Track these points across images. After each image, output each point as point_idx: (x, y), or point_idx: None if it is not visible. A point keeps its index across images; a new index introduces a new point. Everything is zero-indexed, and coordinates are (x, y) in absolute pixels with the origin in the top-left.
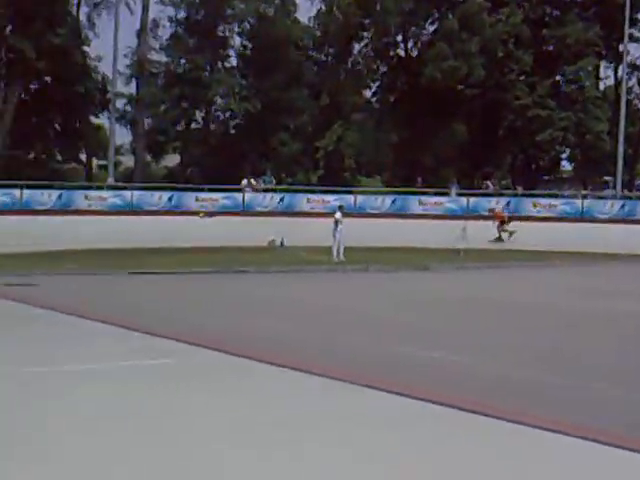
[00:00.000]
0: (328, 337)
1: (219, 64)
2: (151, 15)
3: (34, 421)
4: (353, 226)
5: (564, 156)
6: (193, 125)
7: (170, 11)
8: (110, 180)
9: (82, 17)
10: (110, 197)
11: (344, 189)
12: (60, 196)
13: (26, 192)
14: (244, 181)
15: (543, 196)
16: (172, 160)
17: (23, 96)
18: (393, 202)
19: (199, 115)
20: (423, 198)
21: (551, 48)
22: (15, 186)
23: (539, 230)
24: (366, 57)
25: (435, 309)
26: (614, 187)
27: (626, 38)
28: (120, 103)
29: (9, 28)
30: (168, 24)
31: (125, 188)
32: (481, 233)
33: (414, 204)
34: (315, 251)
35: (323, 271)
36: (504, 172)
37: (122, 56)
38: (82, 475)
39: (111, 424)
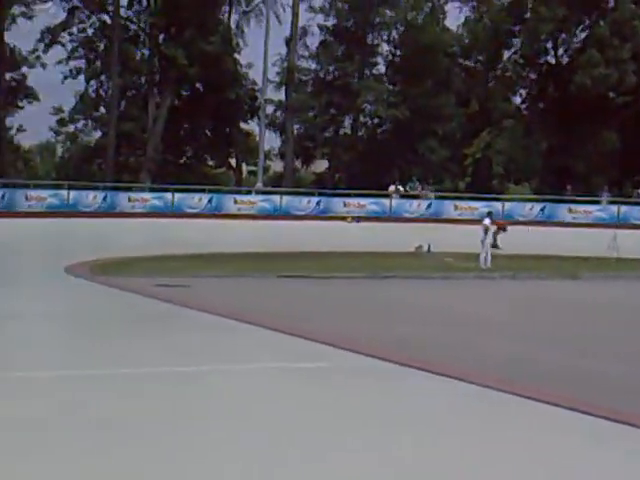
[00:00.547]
0: (477, 344)
1: (367, 71)
2: (300, 23)
3: (193, 422)
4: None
5: None
6: (341, 131)
7: (319, 19)
8: (259, 185)
9: (233, 25)
10: (259, 201)
11: (492, 196)
12: (210, 200)
13: (177, 196)
14: (391, 187)
15: None
16: (320, 165)
17: (175, 102)
18: (542, 210)
19: (347, 121)
20: (573, 206)
21: None
22: (167, 190)
23: None
24: (515, 64)
25: (591, 317)
26: None
27: None
28: (270, 109)
29: (162, 36)
30: (317, 32)
31: (274, 193)
32: (633, 242)
33: (563, 212)
34: (462, 258)
35: (470, 278)
36: None
37: (272, 63)
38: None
39: (269, 424)
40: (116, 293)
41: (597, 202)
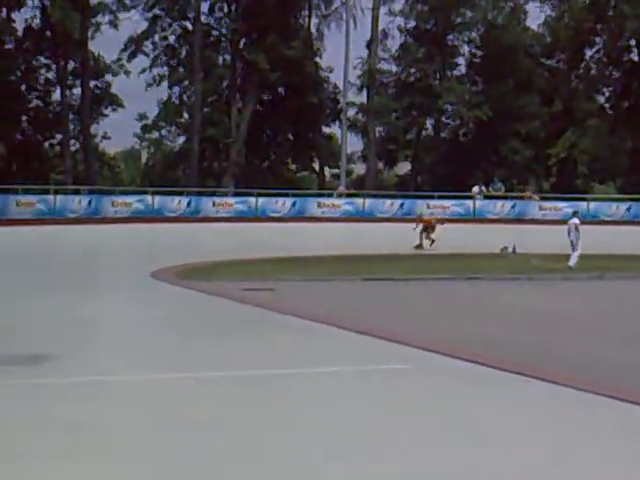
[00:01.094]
0: (569, 346)
1: (448, 72)
2: (381, 26)
3: (281, 425)
4: (587, 233)
5: None
6: (423, 133)
7: (399, 21)
8: (342, 188)
9: (313, 29)
10: (342, 204)
11: (577, 196)
12: (294, 204)
13: (261, 200)
14: (475, 188)
15: None
16: (403, 168)
17: (257, 107)
18: (628, 209)
19: (429, 123)
20: None
21: None
22: (251, 194)
23: None
24: (599, 62)
25: None
26: None
27: None
28: (351, 112)
29: (243, 41)
30: (398, 34)
31: (357, 195)
32: None
33: None
34: (547, 258)
35: (557, 279)
36: None
37: (353, 66)
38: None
39: (359, 427)
40: (202, 297)
41: None
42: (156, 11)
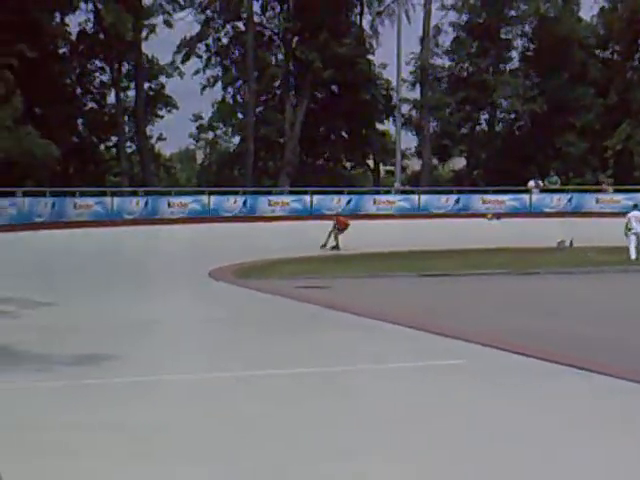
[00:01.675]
0: (629, 341)
1: (502, 66)
2: (433, 21)
3: (336, 419)
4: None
5: None
6: (478, 128)
7: (452, 16)
8: (397, 184)
9: (365, 26)
10: (398, 201)
11: (635, 187)
12: (349, 201)
13: (316, 198)
14: (531, 182)
15: None
16: (458, 163)
17: (311, 105)
18: None
19: (484, 117)
20: None
21: None
22: (306, 192)
23: None
24: None
25: None
26: None
27: None
28: (405, 108)
29: (296, 40)
30: (450, 29)
31: (412, 192)
32: None
33: None
34: (605, 252)
35: (615, 272)
36: None
37: (405, 62)
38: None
39: (419, 424)
40: (259, 296)
41: None
42: (208, 13)
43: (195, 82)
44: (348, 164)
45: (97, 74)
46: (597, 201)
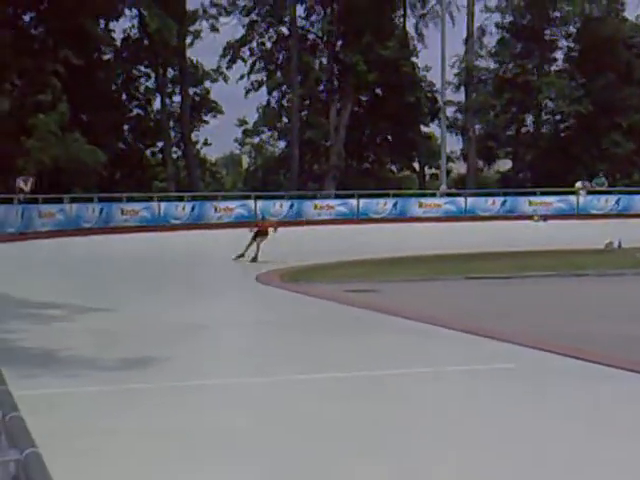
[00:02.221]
0: None
1: (547, 67)
2: (477, 23)
3: (390, 423)
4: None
5: None
6: (523, 129)
7: (496, 17)
8: (443, 187)
9: (409, 28)
10: (444, 204)
11: None
12: (395, 204)
13: (362, 201)
14: (578, 183)
15: None
16: (504, 165)
17: (355, 108)
18: None
19: (529, 119)
20: None
21: None
22: (352, 196)
23: None
24: None
25: None
26: None
27: None
28: (450, 111)
29: (340, 43)
30: (494, 30)
31: (458, 195)
32: None
33: None
34: None
35: None
36: None
37: (449, 65)
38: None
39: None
40: (307, 300)
41: None
42: (253, 16)
43: (239, 87)
44: (393, 167)
45: (142, 80)
46: None
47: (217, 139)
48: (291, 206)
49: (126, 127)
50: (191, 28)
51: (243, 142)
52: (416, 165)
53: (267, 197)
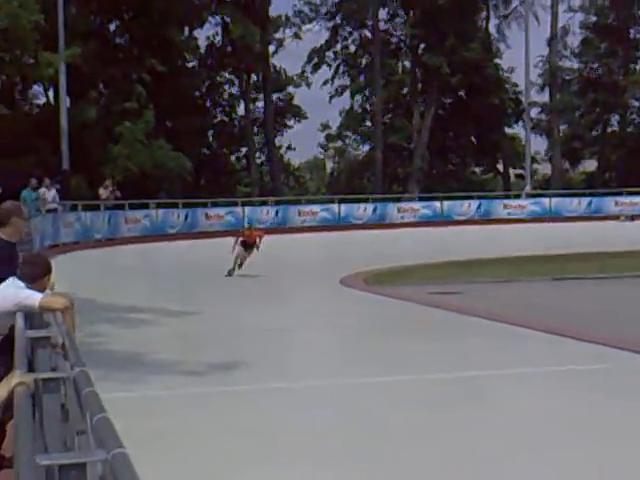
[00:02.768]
0: None
1: (632, 66)
2: (560, 22)
3: (480, 424)
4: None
5: None
6: (609, 129)
7: (580, 17)
8: (528, 188)
9: (492, 30)
10: (529, 205)
11: None
12: (479, 206)
13: (446, 204)
14: None
15: None
16: (589, 165)
17: (439, 111)
18: None
19: (614, 119)
20: None
21: None
22: (435, 198)
23: None
24: None
25: None
26: None
27: None
28: (534, 112)
29: (422, 46)
30: (578, 30)
31: (543, 195)
32: None
33: None
34: None
35: None
36: None
37: (533, 65)
38: None
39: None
40: (391, 302)
41: None
42: (337, 20)
43: (323, 92)
44: (477, 169)
45: (226, 86)
46: None
47: (301, 144)
48: (375, 209)
49: (210, 133)
50: (276, 36)
51: (326, 146)
52: (500, 167)
53: (351, 200)
